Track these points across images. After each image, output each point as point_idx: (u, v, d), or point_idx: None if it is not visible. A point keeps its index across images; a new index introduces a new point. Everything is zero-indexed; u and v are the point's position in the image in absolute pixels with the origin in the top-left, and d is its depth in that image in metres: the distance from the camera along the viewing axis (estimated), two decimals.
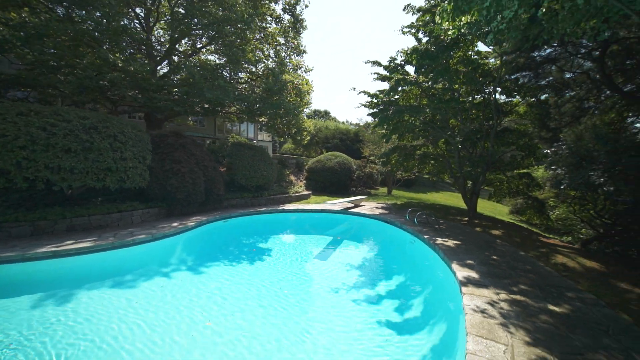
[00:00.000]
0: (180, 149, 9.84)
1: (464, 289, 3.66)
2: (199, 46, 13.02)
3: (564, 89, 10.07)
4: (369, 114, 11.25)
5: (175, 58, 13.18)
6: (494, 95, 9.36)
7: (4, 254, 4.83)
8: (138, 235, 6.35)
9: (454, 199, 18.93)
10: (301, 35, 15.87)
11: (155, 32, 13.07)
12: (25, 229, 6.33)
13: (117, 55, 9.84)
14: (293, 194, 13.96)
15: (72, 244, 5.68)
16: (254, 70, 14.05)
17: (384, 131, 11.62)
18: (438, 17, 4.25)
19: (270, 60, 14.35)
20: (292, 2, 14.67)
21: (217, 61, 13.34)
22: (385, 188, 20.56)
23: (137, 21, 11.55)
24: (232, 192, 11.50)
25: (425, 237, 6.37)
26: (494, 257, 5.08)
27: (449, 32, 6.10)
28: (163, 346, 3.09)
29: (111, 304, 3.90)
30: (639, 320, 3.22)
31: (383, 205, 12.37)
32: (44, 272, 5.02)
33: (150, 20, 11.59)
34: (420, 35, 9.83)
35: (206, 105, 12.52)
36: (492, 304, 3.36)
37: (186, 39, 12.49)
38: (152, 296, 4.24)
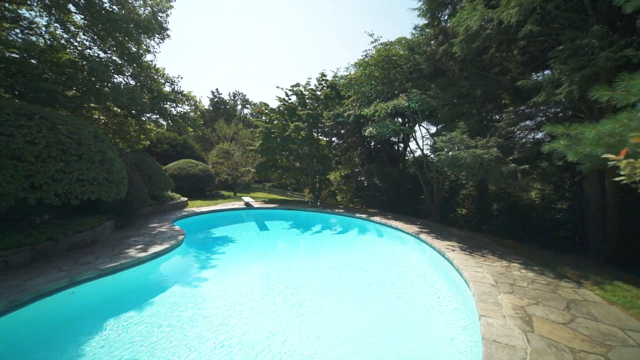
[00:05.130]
0: None
1: (371, 218, 11.04)
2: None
3: (341, 135, 20.95)
4: (260, 140, 16.05)
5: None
6: (324, 138, 18.00)
7: None
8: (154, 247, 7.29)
9: (285, 196, 26.85)
10: (164, 42, 16.59)
11: None
12: (24, 255, 5.69)
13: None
14: (179, 200, 15.08)
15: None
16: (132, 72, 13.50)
17: (255, 148, 17.02)
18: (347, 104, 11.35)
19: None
20: (156, 9, 15.52)
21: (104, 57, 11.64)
22: (225, 191, 24.30)
23: None
24: None
25: (328, 210, 13.25)
26: (362, 209, 13.05)
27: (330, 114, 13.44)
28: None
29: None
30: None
31: (262, 201, 17.41)
32: None
33: None
34: (292, 96, 16.53)
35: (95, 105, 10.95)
36: (381, 219, 10.95)
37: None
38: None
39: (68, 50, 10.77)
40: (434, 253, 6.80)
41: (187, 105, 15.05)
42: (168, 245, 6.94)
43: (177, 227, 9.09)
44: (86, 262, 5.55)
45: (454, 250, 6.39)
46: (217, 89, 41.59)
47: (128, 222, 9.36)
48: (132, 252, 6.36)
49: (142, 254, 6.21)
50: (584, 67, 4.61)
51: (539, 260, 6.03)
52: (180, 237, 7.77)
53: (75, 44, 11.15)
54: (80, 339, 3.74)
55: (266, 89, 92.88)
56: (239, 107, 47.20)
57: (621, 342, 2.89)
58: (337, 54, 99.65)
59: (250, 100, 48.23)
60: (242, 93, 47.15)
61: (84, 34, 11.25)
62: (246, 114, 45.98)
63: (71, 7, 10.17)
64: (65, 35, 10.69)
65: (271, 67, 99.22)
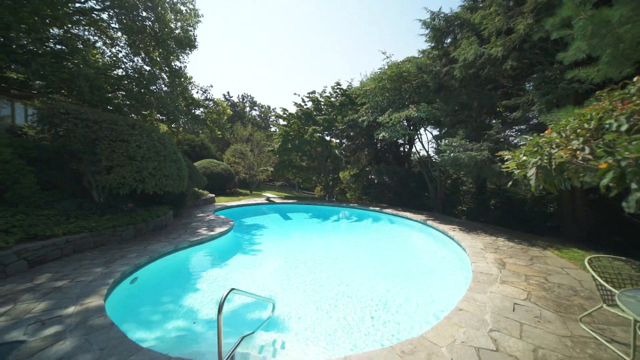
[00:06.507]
0: None
1: (384, 210, 12.78)
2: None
3: (351, 138, 22.74)
4: (279, 142, 17.87)
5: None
6: (335, 140, 19.79)
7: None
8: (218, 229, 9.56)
9: (295, 193, 28.63)
10: (192, 52, 18.42)
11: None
12: (130, 232, 7.47)
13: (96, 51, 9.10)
14: (208, 196, 16.88)
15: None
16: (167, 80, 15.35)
17: (274, 149, 18.81)
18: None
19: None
20: (185, 24, 17.36)
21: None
22: (241, 189, 26.14)
23: None
24: None
25: (343, 204, 15.01)
26: (372, 204, 14.80)
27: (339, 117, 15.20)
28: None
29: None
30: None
31: (283, 197, 19.19)
32: None
33: None
34: (308, 102, 18.32)
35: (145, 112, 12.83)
36: (392, 211, 12.69)
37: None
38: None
39: (122, 65, 12.61)
40: (439, 233, 8.55)
41: (214, 110, 16.88)
42: (227, 228, 8.72)
43: (222, 216, 10.86)
44: (175, 237, 7.33)
45: (454, 231, 8.14)
46: (228, 92, 43.48)
47: (179, 212, 11.13)
48: (203, 231, 8.14)
49: (212, 233, 7.98)
50: (549, 93, 6.33)
51: (520, 236, 7.78)
52: (232, 223, 9.55)
53: (125, 60, 13.02)
54: (191, 281, 5.59)
55: (274, 91, 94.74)
56: (247, 109, 49.02)
57: (557, 273, 4.63)
58: (339, 58, 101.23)
59: (258, 102, 50.02)
60: (249, 95, 48.99)
61: (130, 50, 13.09)
62: (254, 115, 47.82)
63: (112, 23, 11.91)
64: (107, 51, 12.52)
65: (277, 70, 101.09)
